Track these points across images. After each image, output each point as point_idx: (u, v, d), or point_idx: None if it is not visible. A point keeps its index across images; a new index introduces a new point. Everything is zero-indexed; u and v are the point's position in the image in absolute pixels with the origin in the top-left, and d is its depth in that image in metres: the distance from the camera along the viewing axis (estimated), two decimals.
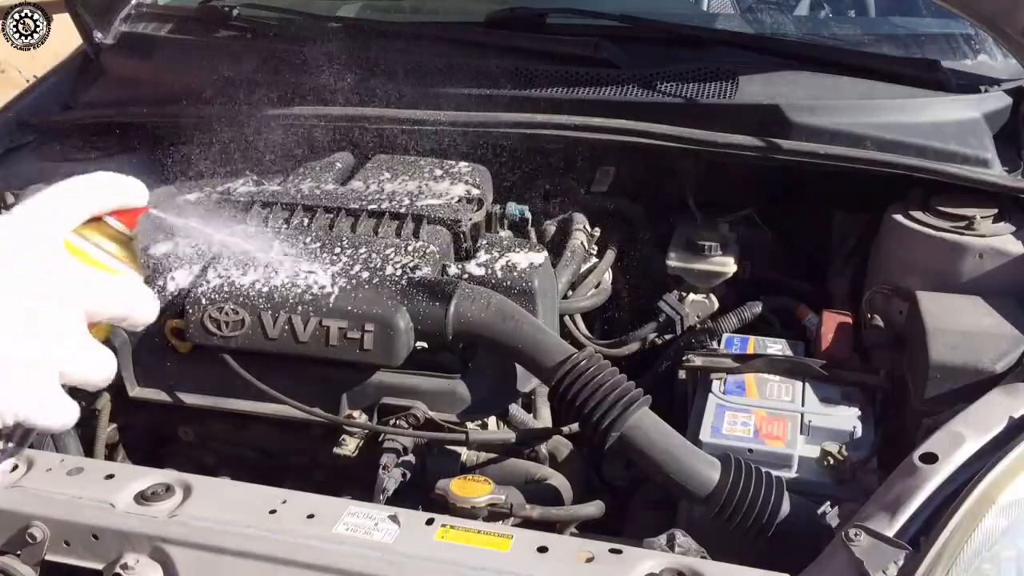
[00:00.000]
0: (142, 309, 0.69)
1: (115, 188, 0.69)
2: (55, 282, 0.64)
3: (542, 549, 0.90)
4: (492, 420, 1.30)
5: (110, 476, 1.02)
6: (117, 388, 1.27)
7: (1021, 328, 1.17)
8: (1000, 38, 1.36)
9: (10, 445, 0.67)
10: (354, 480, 1.21)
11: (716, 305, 1.58)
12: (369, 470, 1.16)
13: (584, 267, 1.55)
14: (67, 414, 0.66)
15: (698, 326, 1.53)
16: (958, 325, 1.19)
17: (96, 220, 0.68)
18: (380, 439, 1.19)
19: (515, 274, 1.26)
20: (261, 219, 1.33)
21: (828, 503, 1.04)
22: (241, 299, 1.18)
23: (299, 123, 1.62)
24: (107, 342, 0.68)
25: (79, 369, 0.66)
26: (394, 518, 0.95)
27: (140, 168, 1.73)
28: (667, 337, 1.53)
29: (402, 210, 1.32)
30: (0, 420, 0.62)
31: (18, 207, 0.66)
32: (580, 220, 1.59)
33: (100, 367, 0.67)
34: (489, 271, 1.27)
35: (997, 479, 0.89)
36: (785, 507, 1.05)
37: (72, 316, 0.65)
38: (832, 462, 1.15)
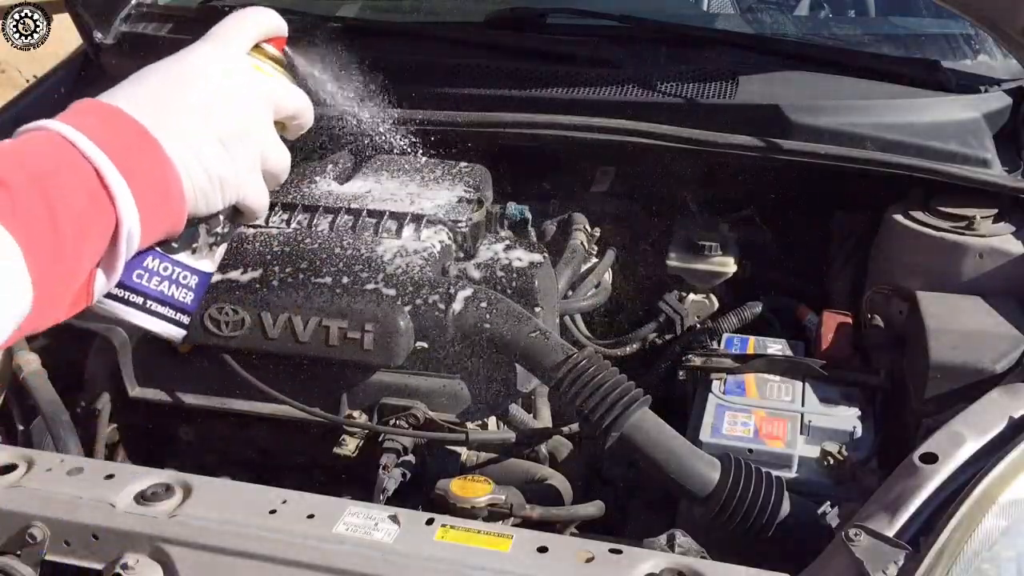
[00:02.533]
0: (308, 108, 0.85)
1: (270, 20, 0.84)
2: (253, 87, 0.80)
3: (542, 549, 0.90)
4: (492, 420, 1.30)
5: (110, 476, 1.02)
6: (117, 388, 1.27)
7: (1021, 328, 1.17)
8: (1000, 38, 1.36)
9: (220, 231, 0.83)
10: (354, 480, 1.21)
11: (716, 305, 1.58)
12: (369, 470, 1.16)
13: (584, 267, 1.55)
14: (267, 202, 0.83)
15: (698, 326, 1.53)
16: (958, 325, 1.19)
17: (257, 46, 0.83)
18: (380, 439, 1.19)
19: (515, 274, 1.26)
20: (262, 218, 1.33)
21: (828, 503, 1.04)
22: (241, 299, 1.19)
23: None
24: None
25: (275, 158, 0.82)
26: (394, 518, 0.95)
27: None
28: (667, 337, 1.53)
29: (402, 210, 1.32)
30: (228, 199, 0.78)
31: (207, 35, 0.81)
32: (580, 220, 1.59)
33: (285, 159, 0.83)
34: (489, 271, 1.27)
35: (997, 479, 0.89)
36: (785, 507, 1.05)
37: (269, 113, 0.80)
38: (832, 462, 1.15)
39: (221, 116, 0.75)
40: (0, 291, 0.62)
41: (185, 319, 0.84)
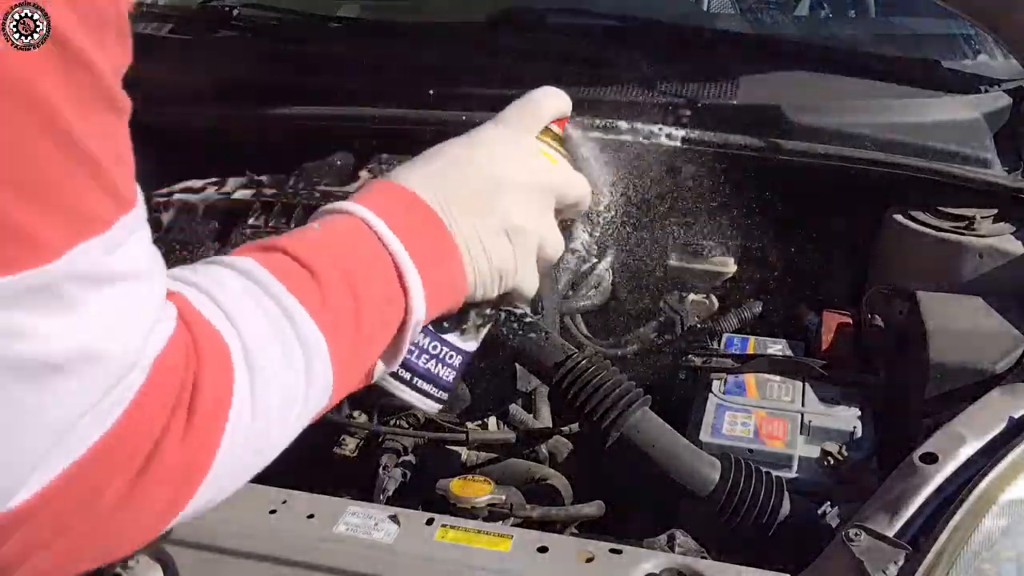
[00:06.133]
0: (588, 194, 0.84)
1: (562, 102, 0.84)
2: (541, 177, 0.79)
3: (542, 549, 0.90)
4: (492, 420, 1.30)
5: None
6: None
7: (1021, 328, 1.17)
8: (1000, 38, 1.36)
9: (487, 313, 0.84)
10: (354, 480, 1.21)
11: (716, 305, 1.58)
12: (369, 470, 1.16)
13: (584, 267, 1.54)
14: (536, 287, 0.81)
15: (698, 326, 1.53)
16: (958, 325, 1.18)
17: (545, 128, 0.83)
18: (380, 439, 1.19)
19: None
20: (261, 219, 1.33)
21: (828, 503, 1.04)
22: None
23: (299, 123, 1.62)
24: None
25: (551, 246, 0.80)
26: (394, 518, 0.95)
27: (139, 168, 1.73)
28: (667, 337, 1.53)
29: None
30: (504, 287, 0.77)
31: (500, 116, 0.81)
32: (580, 220, 1.59)
33: (560, 247, 0.82)
34: None
35: (997, 479, 0.89)
36: (785, 507, 1.05)
37: (552, 203, 0.80)
38: (832, 462, 1.15)
39: (508, 207, 0.75)
40: (309, 391, 0.61)
41: (444, 396, 0.85)
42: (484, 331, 0.86)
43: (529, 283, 0.80)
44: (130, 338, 0.49)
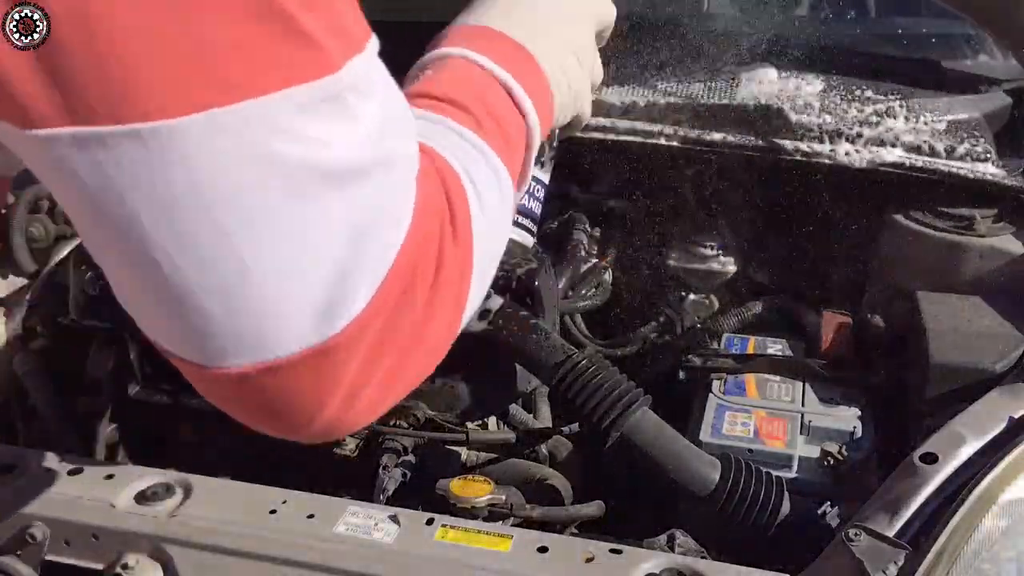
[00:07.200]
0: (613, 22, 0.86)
1: None
2: (588, 1, 0.82)
3: (542, 549, 0.90)
4: (492, 420, 1.30)
5: (110, 476, 1.02)
6: (117, 388, 1.27)
7: (1021, 328, 1.17)
8: (1000, 38, 1.37)
9: (554, 144, 0.87)
10: (354, 480, 1.21)
11: (716, 305, 1.58)
12: (369, 470, 1.16)
13: (584, 267, 1.54)
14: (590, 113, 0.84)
15: (698, 326, 1.53)
16: (958, 325, 1.19)
17: None
18: (380, 439, 1.19)
19: (515, 274, 1.26)
20: None
21: (828, 503, 1.04)
22: None
23: None
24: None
25: (599, 70, 0.83)
26: (394, 518, 0.95)
27: None
28: (667, 337, 1.53)
29: None
30: (576, 111, 0.80)
31: None
32: (580, 220, 1.59)
33: (601, 70, 0.84)
34: None
35: (997, 479, 0.89)
36: (785, 507, 1.05)
37: (595, 27, 0.83)
38: (832, 462, 1.15)
39: (575, 30, 0.78)
40: (503, 195, 0.64)
41: (535, 228, 0.90)
42: (552, 164, 0.90)
43: (588, 107, 0.83)
44: (409, 142, 0.53)
